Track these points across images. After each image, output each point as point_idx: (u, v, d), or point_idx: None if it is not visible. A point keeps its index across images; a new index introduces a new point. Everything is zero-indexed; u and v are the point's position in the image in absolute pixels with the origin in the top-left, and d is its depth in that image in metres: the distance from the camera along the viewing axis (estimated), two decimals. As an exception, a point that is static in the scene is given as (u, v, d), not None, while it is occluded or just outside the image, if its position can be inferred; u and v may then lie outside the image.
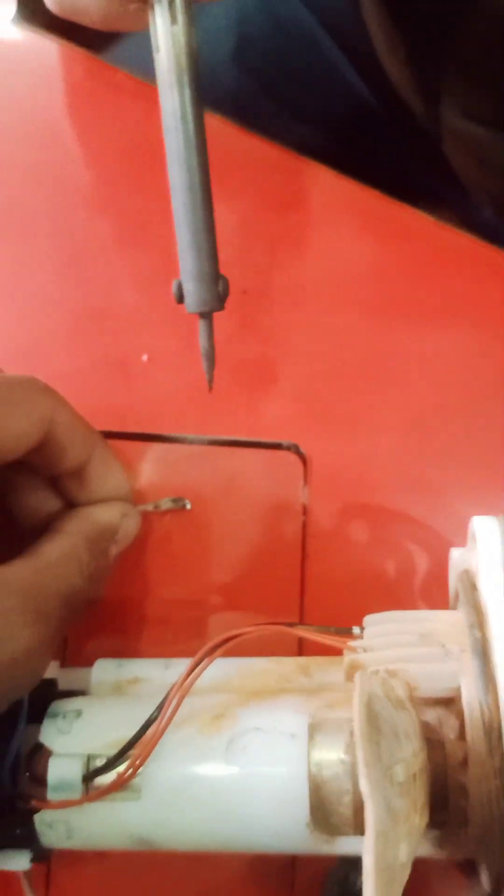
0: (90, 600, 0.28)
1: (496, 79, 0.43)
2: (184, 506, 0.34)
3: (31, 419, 0.27)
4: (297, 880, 0.31)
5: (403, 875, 0.18)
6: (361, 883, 0.27)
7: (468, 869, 0.26)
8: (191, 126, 0.28)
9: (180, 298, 0.30)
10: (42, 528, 0.29)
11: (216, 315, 0.31)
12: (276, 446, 0.33)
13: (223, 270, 0.30)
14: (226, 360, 0.34)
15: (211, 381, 0.32)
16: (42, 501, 0.30)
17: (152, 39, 0.28)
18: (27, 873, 0.30)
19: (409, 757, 0.20)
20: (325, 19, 0.54)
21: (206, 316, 0.31)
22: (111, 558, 0.29)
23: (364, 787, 0.16)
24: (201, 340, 0.31)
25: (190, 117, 0.28)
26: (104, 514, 0.30)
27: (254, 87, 0.53)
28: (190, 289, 0.30)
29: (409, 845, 0.18)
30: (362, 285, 0.37)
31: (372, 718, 0.18)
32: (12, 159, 0.39)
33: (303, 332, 0.36)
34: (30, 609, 0.24)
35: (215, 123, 0.36)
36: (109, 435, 0.32)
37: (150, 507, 0.33)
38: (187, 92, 0.27)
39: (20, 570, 0.25)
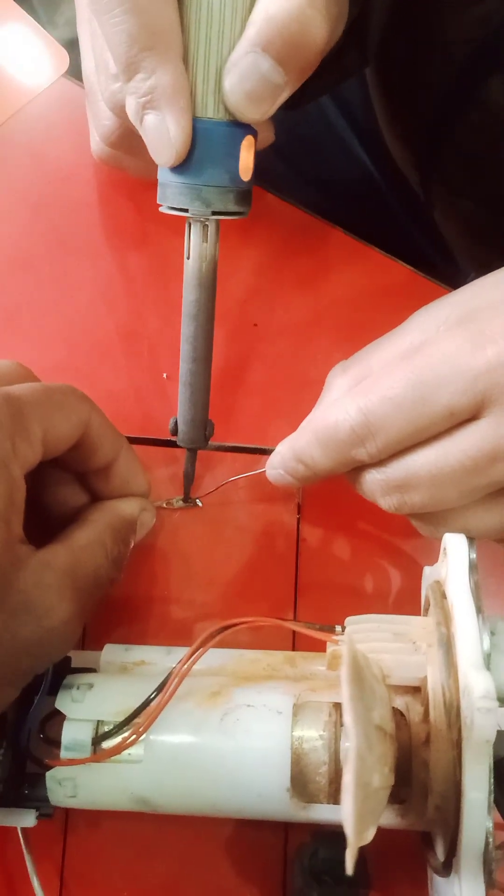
0: (112, 580, 0.32)
1: (482, 161, 0.48)
2: (195, 503, 0.38)
3: (72, 422, 0.31)
4: (289, 848, 0.34)
5: (376, 799, 0.22)
6: (327, 855, 0.31)
7: (426, 843, 0.30)
8: (202, 316, 0.34)
9: (174, 433, 0.36)
10: (69, 519, 0.32)
11: (234, 334, 0.38)
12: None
13: (238, 304, 0.37)
14: (237, 381, 0.40)
15: (188, 496, 0.38)
16: (71, 495, 0.34)
17: (185, 247, 0.33)
18: (25, 833, 0.33)
19: (384, 715, 0.24)
20: (337, 97, 0.60)
21: (193, 450, 0.37)
22: (130, 546, 0.33)
23: (348, 718, 0.20)
24: (186, 466, 0.37)
25: (203, 309, 0.34)
26: (126, 508, 0.34)
27: (272, 154, 0.59)
28: (183, 429, 0.36)
29: (380, 778, 0.22)
30: (356, 326, 0.42)
31: (357, 669, 0.22)
32: (58, 197, 0.44)
33: (303, 361, 0.41)
34: (66, 585, 0.28)
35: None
36: (132, 440, 0.36)
37: (163, 504, 0.38)
38: (205, 292, 0.33)
39: (57, 553, 0.29)
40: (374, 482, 0.33)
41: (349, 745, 0.20)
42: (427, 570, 0.34)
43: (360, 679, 0.22)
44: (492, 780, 0.25)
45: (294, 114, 0.40)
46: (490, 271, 0.33)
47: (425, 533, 0.34)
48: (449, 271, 0.64)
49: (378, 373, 0.32)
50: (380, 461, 0.32)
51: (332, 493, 0.38)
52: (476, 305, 0.31)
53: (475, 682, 0.25)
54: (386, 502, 0.33)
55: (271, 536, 0.38)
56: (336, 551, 0.38)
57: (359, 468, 0.33)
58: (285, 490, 0.38)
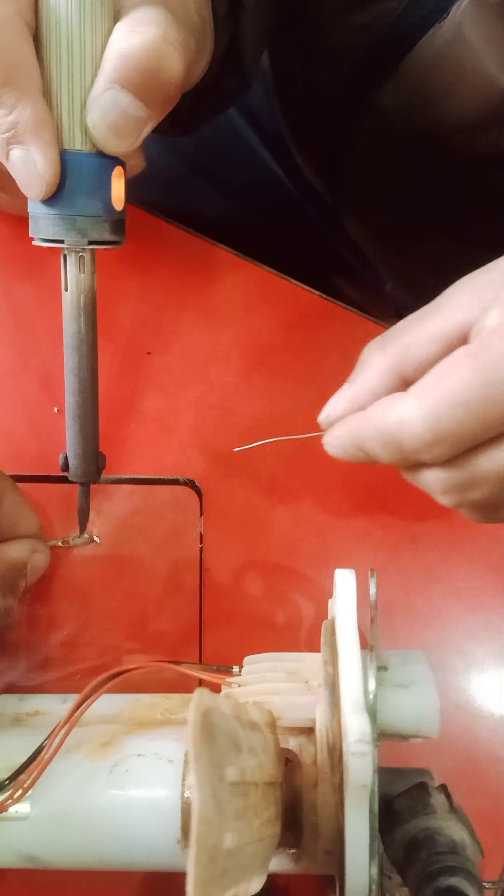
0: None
1: (380, 168, 0.48)
2: (92, 539, 0.37)
3: None
4: None
5: (228, 860, 0.21)
6: None
7: (330, 886, 0.29)
8: (84, 347, 0.34)
9: (65, 468, 0.35)
10: None
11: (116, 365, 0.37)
12: (174, 482, 0.37)
13: (129, 333, 0.37)
14: (130, 410, 0.40)
15: (83, 532, 0.37)
16: None
17: (62, 279, 0.33)
18: None
19: (252, 766, 0.23)
20: (242, 107, 0.59)
21: (85, 485, 0.36)
22: (20, 591, 0.32)
23: (191, 777, 0.19)
24: (80, 502, 0.37)
25: (85, 340, 0.34)
26: (14, 552, 0.33)
27: (181, 166, 0.58)
28: (74, 463, 0.35)
29: (235, 837, 0.21)
30: (253, 347, 0.42)
31: (207, 726, 0.21)
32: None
33: (200, 386, 0.41)
34: None
35: (137, 214, 0.41)
36: (20, 478, 0.35)
37: (59, 543, 0.37)
38: (86, 323, 0.33)
39: None
40: (435, 481, 0.31)
41: (193, 802, 0.19)
42: (330, 602, 0.34)
43: (210, 736, 0.21)
44: (375, 823, 0.25)
45: (205, 128, 0.39)
46: (405, 277, 0.32)
47: (475, 520, 0.33)
48: (368, 277, 0.64)
49: (438, 368, 0.29)
50: (444, 462, 0.30)
51: (236, 519, 0.38)
52: None
53: (351, 725, 0.24)
54: (445, 499, 0.32)
55: (173, 569, 0.37)
56: (242, 583, 0.38)
57: (419, 464, 0.31)
58: (185, 521, 0.37)
